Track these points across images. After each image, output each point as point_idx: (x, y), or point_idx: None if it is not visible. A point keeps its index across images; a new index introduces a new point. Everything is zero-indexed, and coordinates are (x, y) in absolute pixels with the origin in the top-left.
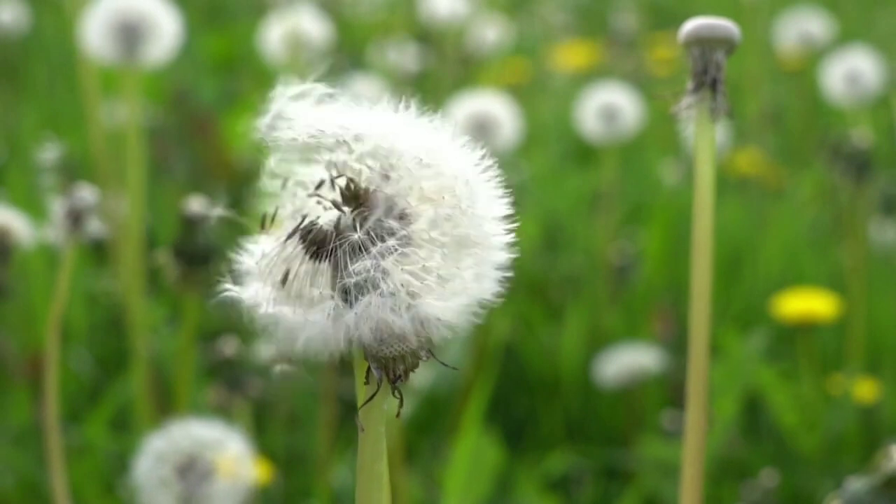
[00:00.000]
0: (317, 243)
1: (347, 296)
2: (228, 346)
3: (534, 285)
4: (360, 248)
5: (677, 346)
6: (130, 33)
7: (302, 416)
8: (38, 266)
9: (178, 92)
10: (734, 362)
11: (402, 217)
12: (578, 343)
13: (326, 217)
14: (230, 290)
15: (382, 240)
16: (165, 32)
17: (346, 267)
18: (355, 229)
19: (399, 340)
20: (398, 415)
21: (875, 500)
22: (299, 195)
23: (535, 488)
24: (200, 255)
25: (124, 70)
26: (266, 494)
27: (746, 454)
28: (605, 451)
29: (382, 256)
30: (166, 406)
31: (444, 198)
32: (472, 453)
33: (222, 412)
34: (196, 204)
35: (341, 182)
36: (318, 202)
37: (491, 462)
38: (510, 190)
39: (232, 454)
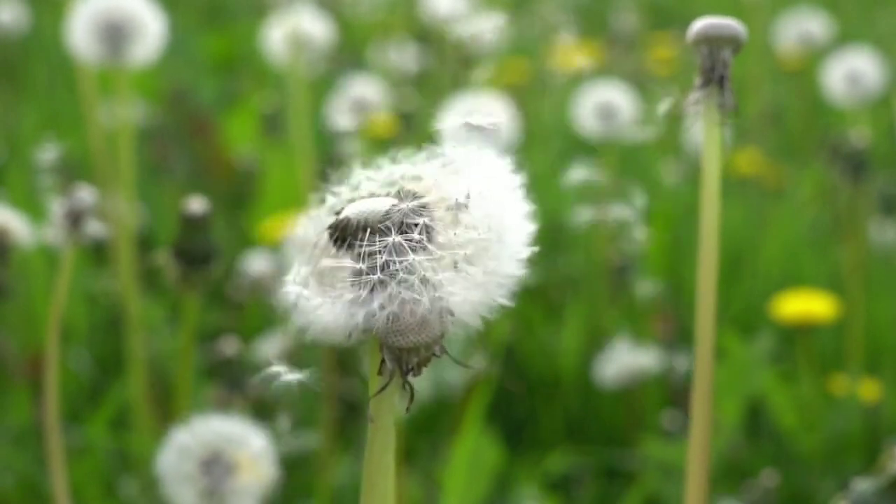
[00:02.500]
0: (343, 232)
1: (367, 284)
2: (228, 346)
3: (534, 285)
4: (382, 240)
5: (677, 346)
6: (115, 33)
7: (302, 416)
8: (38, 266)
9: (176, 92)
10: (738, 365)
11: (427, 212)
12: (578, 343)
13: (355, 207)
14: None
15: (406, 234)
16: (151, 32)
17: (368, 256)
18: (382, 222)
19: (414, 331)
20: (408, 409)
21: (881, 501)
22: (345, 188)
23: (534, 488)
24: (200, 255)
25: (111, 70)
26: (266, 494)
27: (747, 455)
28: (605, 450)
29: (405, 249)
30: (166, 406)
31: (468, 203)
32: (471, 453)
33: (222, 412)
34: (196, 204)
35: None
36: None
37: (491, 462)
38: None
39: (254, 450)
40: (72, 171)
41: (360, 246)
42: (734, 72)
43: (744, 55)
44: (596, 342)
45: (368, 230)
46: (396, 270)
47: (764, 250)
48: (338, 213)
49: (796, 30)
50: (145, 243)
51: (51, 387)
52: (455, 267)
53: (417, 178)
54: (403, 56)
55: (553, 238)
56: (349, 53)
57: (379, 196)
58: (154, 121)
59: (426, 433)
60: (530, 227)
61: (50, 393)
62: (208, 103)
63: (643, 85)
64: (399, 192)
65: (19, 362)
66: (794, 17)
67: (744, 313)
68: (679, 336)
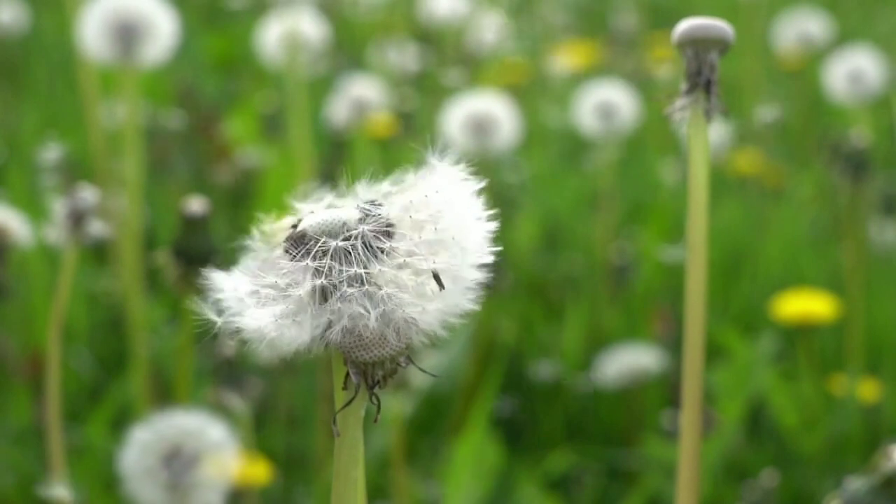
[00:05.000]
0: (296, 245)
1: (322, 297)
2: (228, 346)
3: (534, 285)
4: (338, 251)
5: (677, 346)
6: (127, 33)
7: (302, 416)
8: (38, 266)
9: (183, 92)
10: (740, 365)
11: (384, 223)
12: (578, 343)
13: (313, 218)
14: (213, 291)
15: (361, 245)
16: (163, 32)
17: (322, 269)
18: (335, 234)
19: (376, 345)
20: (376, 420)
21: (874, 499)
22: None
23: (535, 488)
24: (200, 255)
25: (122, 70)
26: (266, 494)
27: (747, 455)
28: (605, 450)
29: (359, 259)
30: (167, 406)
31: (427, 211)
32: (472, 453)
33: (222, 412)
34: (196, 204)
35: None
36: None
37: (491, 462)
38: (509, 190)
39: (216, 443)
40: (72, 170)
41: (312, 258)
42: (733, 72)
43: (743, 55)
44: (596, 342)
45: (322, 242)
46: (341, 283)
47: (764, 250)
48: (295, 226)
49: (796, 30)
50: (147, 243)
51: (52, 386)
52: (413, 276)
53: (381, 193)
54: (403, 56)
55: (553, 238)
56: (349, 53)
57: (340, 208)
58: (155, 120)
59: (426, 433)
60: (490, 232)
61: (51, 393)
62: (211, 103)
63: (643, 85)
64: (360, 204)
65: (19, 362)
66: (793, 17)
67: (744, 313)
68: (679, 336)
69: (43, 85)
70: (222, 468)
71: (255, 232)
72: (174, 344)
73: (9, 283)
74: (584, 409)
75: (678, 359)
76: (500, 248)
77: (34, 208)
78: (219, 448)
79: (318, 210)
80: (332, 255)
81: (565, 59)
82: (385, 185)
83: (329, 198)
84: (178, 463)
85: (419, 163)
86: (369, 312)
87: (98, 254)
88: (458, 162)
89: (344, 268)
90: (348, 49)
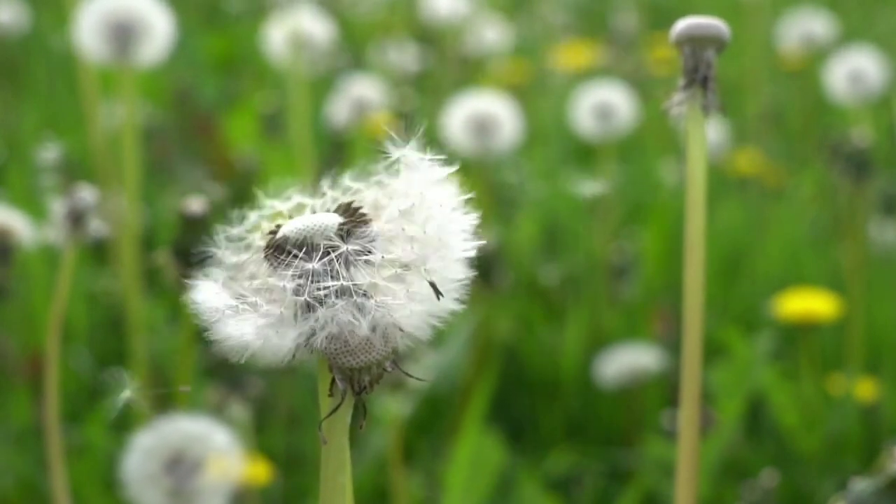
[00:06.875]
0: (277, 253)
1: (306, 307)
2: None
3: (534, 285)
4: (321, 256)
5: (677, 346)
6: (123, 33)
7: (302, 416)
8: (38, 266)
9: (180, 92)
10: (740, 364)
11: (366, 226)
12: (578, 343)
13: (294, 224)
14: (193, 294)
15: (343, 251)
16: (159, 32)
17: (304, 283)
18: (317, 241)
19: (363, 350)
20: (361, 427)
21: (880, 501)
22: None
23: (535, 488)
24: (200, 255)
25: (118, 70)
26: (266, 494)
27: (747, 454)
28: (605, 450)
29: (343, 266)
30: (166, 406)
31: (408, 212)
32: (472, 453)
33: (222, 412)
34: (195, 204)
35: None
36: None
37: (492, 462)
38: (509, 190)
39: (220, 448)
40: (72, 170)
41: (295, 264)
42: (734, 72)
43: (744, 55)
44: (596, 342)
45: (305, 247)
46: (327, 288)
47: (764, 250)
48: (273, 233)
49: (798, 29)
50: (146, 243)
51: (51, 387)
52: (398, 280)
53: (359, 193)
54: (403, 56)
55: (553, 238)
56: (349, 53)
57: (319, 212)
58: (155, 120)
59: (426, 433)
60: (472, 225)
61: (50, 393)
62: (210, 103)
63: (643, 85)
64: (340, 207)
65: (19, 362)
66: (795, 17)
67: (744, 313)
68: (679, 336)
69: (43, 85)
70: (226, 474)
71: (232, 238)
72: (174, 344)
73: (9, 283)
74: (584, 409)
75: (678, 359)
76: (487, 244)
77: (34, 208)
78: (222, 453)
79: (297, 215)
80: (314, 265)
81: (565, 59)
82: (351, 182)
83: (300, 198)
84: (180, 469)
85: (394, 159)
86: (359, 321)
87: (98, 254)
88: (432, 155)
89: (329, 280)
90: (348, 49)
